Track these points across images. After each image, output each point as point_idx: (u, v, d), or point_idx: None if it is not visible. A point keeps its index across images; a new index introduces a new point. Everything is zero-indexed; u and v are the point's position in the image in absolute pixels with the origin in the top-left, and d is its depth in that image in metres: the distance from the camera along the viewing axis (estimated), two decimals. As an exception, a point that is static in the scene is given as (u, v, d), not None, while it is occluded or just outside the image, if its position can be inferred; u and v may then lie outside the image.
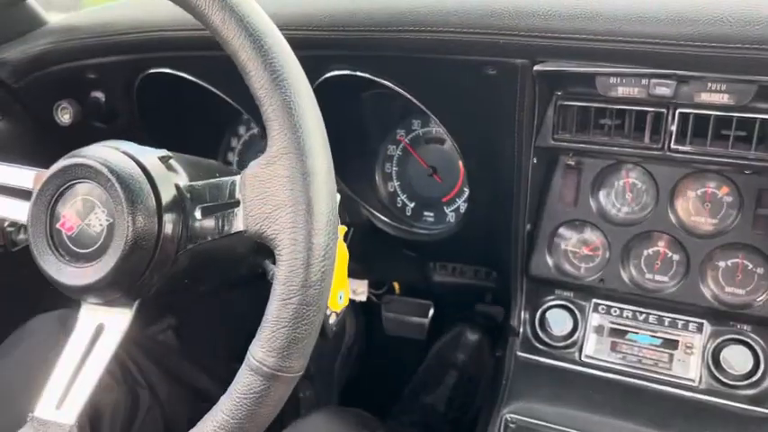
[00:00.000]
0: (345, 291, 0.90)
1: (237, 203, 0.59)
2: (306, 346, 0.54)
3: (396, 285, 1.35)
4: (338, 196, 0.85)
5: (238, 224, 0.58)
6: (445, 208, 1.13)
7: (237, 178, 0.59)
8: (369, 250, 1.16)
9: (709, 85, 0.70)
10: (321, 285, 0.54)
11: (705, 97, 0.71)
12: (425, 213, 1.15)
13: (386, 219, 1.12)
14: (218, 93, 1.00)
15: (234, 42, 0.56)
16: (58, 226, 0.62)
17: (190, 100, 1.07)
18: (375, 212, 1.12)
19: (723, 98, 0.70)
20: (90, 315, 0.64)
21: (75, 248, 0.62)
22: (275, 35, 0.58)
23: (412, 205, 1.15)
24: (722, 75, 0.68)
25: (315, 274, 0.53)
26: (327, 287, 0.55)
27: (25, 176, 0.67)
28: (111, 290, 0.62)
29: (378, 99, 1.04)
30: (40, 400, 0.62)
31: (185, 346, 1.34)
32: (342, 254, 0.90)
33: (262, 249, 0.62)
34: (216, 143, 1.21)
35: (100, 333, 0.64)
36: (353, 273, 1.26)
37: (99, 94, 1.04)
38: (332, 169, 0.57)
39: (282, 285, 0.53)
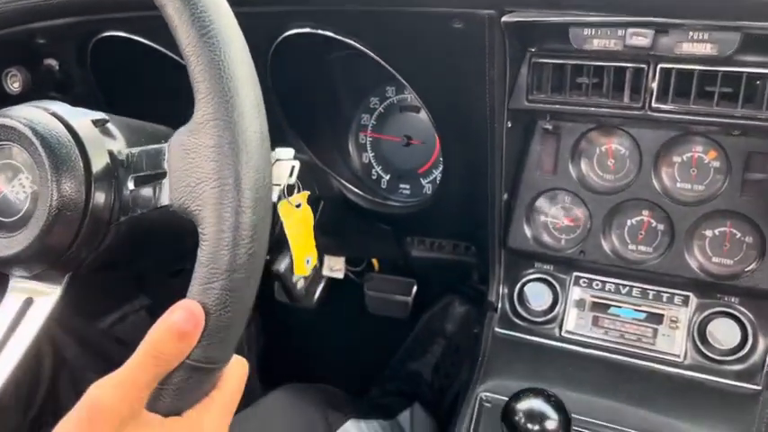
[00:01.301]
0: (313, 256, 0.86)
1: (165, 174, 0.53)
2: (230, 336, 0.48)
3: (374, 262, 1.31)
4: (294, 166, 0.80)
5: (164, 198, 0.53)
6: (422, 179, 1.09)
7: (166, 146, 0.53)
8: (342, 224, 1.12)
9: (690, 34, 0.64)
10: (248, 269, 0.48)
11: (687, 48, 0.65)
12: (401, 186, 1.11)
13: (359, 191, 1.08)
14: (177, 58, 0.95)
15: None
16: None
17: (149, 67, 1.02)
18: (348, 185, 1.08)
19: (706, 48, 0.64)
20: (17, 288, 0.60)
21: None
22: None
23: (387, 177, 1.11)
24: (703, 21, 0.62)
25: (241, 256, 0.47)
26: (257, 270, 0.49)
27: None
28: (36, 262, 0.58)
29: (348, 63, 0.99)
30: None
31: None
32: (307, 218, 0.85)
33: None
34: (180, 112, 1.15)
35: (27, 308, 0.59)
36: (328, 249, 1.22)
37: (52, 62, 0.99)
38: (266, 139, 0.50)
39: (204, 268, 0.47)
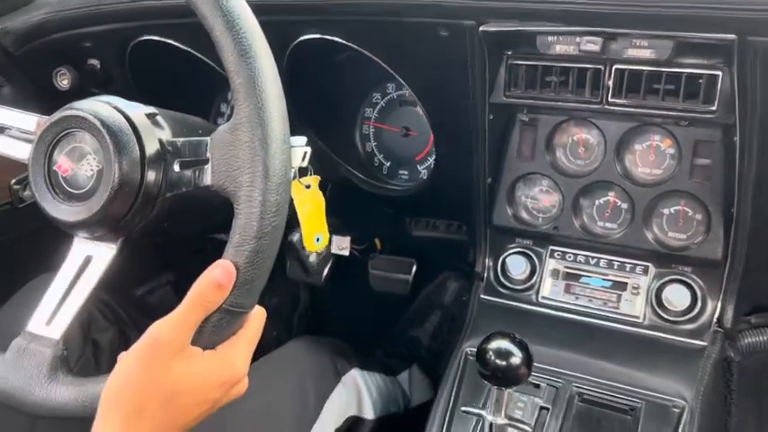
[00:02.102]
0: (324, 234, 0.99)
1: (207, 161, 0.66)
2: (255, 288, 0.62)
3: (377, 242, 1.44)
4: (306, 152, 0.94)
5: (207, 179, 0.66)
6: (418, 166, 1.22)
7: (209, 139, 0.67)
8: (348, 207, 1.24)
9: (634, 41, 0.78)
10: (271, 237, 0.62)
11: (632, 53, 0.79)
12: (401, 171, 1.23)
13: (363, 176, 1.21)
14: (205, 60, 1.08)
15: (209, 20, 0.64)
16: (54, 168, 0.71)
17: (180, 67, 1.16)
18: (353, 171, 1.21)
19: (647, 53, 0.78)
20: (80, 247, 0.73)
21: (68, 189, 0.71)
22: (246, 15, 0.64)
23: (388, 164, 1.24)
24: (643, 31, 0.76)
25: (266, 226, 0.61)
26: (277, 239, 0.63)
27: (29, 121, 0.76)
28: (98, 227, 0.71)
29: (352, 63, 1.12)
30: (32, 317, 0.72)
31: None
32: (318, 200, 0.99)
33: None
34: (206, 108, 1.29)
35: (87, 263, 0.73)
36: (336, 229, 1.36)
37: (95, 62, 1.13)
38: (287, 138, 0.64)
39: (238, 234, 0.62)
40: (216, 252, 0.64)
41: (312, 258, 0.96)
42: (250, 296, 0.62)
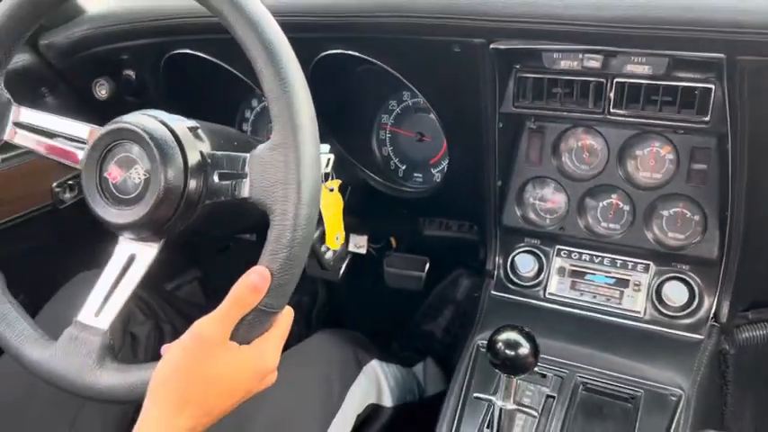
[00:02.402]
0: (341, 233, 1.07)
1: (246, 175, 0.73)
2: (287, 290, 0.70)
3: (393, 240, 1.51)
4: (330, 158, 1.00)
5: (245, 192, 0.73)
6: (432, 169, 1.29)
7: (248, 156, 0.73)
8: (366, 207, 1.31)
9: (632, 58, 0.84)
10: (302, 246, 0.69)
11: (631, 68, 0.86)
12: (415, 174, 1.30)
13: (380, 179, 1.27)
14: (232, 70, 1.16)
15: (253, 52, 0.70)
16: (105, 175, 0.78)
17: (208, 77, 1.23)
18: (371, 174, 1.27)
19: (644, 69, 0.84)
20: (125, 247, 0.81)
21: (117, 194, 0.78)
22: (285, 49, 0.71)
23: (403, 168, 1.31)
24: (640, 49, 0.83)
25: (298, 237, 0.68)
26: (307, 247, 0.70)
27: (82, 130, 0.82)
28: (143, 229, 0.78)
29: (371, 74, 1.19)
30: (82, 309, 0.79)
31: (209, 295, 1.53)
32: (337, 202, 1.06)
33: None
34: (232, 115, 1.37)
35: (132, 262, 0.80)
36: (354, 228, 1.43)
37: (130, 73, 1.20)
38: (318, 158, 0.71)
39: (273, 243, 0.69)
40: (238, 251, 0.71)
41: (329, 255, 1.03)
42: (282, 298, 0.70)
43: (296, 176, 0.69)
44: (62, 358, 0.77)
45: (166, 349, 0.69)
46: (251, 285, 0.67)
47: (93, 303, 0.79)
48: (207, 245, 1.52)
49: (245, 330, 0.69)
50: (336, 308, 1.72)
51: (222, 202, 0.76)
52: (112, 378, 0.75)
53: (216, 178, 0.76)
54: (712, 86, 0.88)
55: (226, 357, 0.66)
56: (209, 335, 0.66)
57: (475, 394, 0.93)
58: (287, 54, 0.71)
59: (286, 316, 0.72)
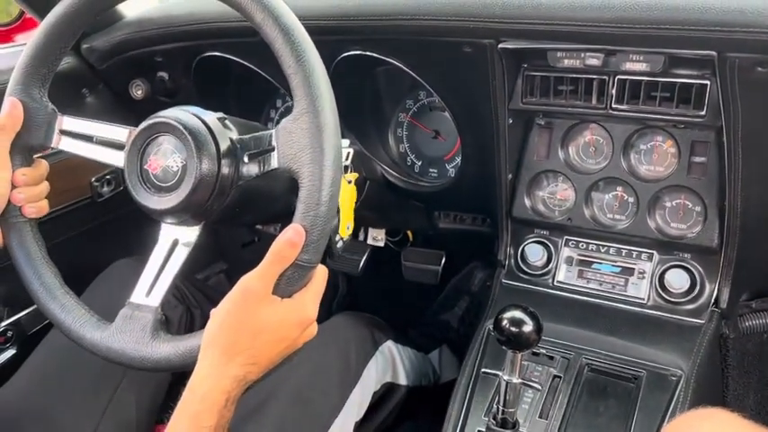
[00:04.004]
0: (351, 223, 1.14)
1: (273, 149, 0.80)
2: (320, 246, 0.76)
3: (409, 234, 1.57)
4: (349, 153, 1.07)
5: (274, 163, 0.80)
6: (447, 165, 1.35)
7: (273, 131, 0.81)
8: (383, 201, 1.37)
9: (631, 56, 0.91)
10: (330, 204, 0.76)
11: (630, 66, 0.92)
12: (431, 170, 1.37)
13: (397, 174, 1.34)
14: (259, 71, 1.24)
15: (270, 35, 0.78)
16: (145, 167, 0.85)
17: (236, 78, 1.31)
18: (388, 169, 1.34)
19: (642, 66, 0.91)
20: (168, 232, 0.88)
21: (158, 183, 0.84)
22: (300, 30, 0.78)
23: (419, 163, 1.37)
24: (638, 48, 0.89)
25: (325, 195, 0.75)
26: (334, 206, 0.77)
27: (120, 132, 0.89)
28: (183, 213, 0.84)
29: (388, 74, 1.27)
30: (134, 290, 0.86)
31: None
32: (351, 194, 1.13)
33: (293, 191, 0.81)
34: (258, 114, 1.45)
35: (175, 245, 0.87)
36: (372, 222, 1.49)
37: (164, 74, 1.28)
38: (338, 124, 0.78)
39: (303, 203, 0.75)
40: (262, 246, 0.76)
41: (339, 245, 1.10)
42: (316, 253, 0.76)
43: (320, 141, 0.75)
44: (120, 336, 0.83)
45: (214, 313, 0.75)
46: (288, 241, 0.73)
47: (143, 285, 0.86)
48: (233, 240, 1.60)
49: (286, 284, 0.75)
50: (355, 299, 1.78)
51: (254, 184, 0.83)
52: (167, 348, 0.81)
53: (246, 159, 0.83)
54: (707, 82, 0.93)
55: (270, 309, 0.73)
56: (253, 289, 0.72)
57: (483, 369, 0.99)
58: (302, 35, 0.78)
59: (321, 272, 0.78)
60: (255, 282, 0.73)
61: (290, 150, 0.78)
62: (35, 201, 0.91)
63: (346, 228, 1.08)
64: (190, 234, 0.87)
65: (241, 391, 0.73)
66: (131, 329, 0.83)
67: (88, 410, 0.99)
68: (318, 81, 0.77)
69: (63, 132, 0.92)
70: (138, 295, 0.86)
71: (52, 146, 0.92)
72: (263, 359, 0.73)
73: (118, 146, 0.89)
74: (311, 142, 0.76)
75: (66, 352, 0.94)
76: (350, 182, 1.14)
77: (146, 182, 0.85)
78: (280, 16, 0.78)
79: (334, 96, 0.79)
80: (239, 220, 1.01)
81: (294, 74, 0.77)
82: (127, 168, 0.86)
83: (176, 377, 1.03)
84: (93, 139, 0.91)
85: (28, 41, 0.92)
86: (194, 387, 0.71)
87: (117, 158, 0.89)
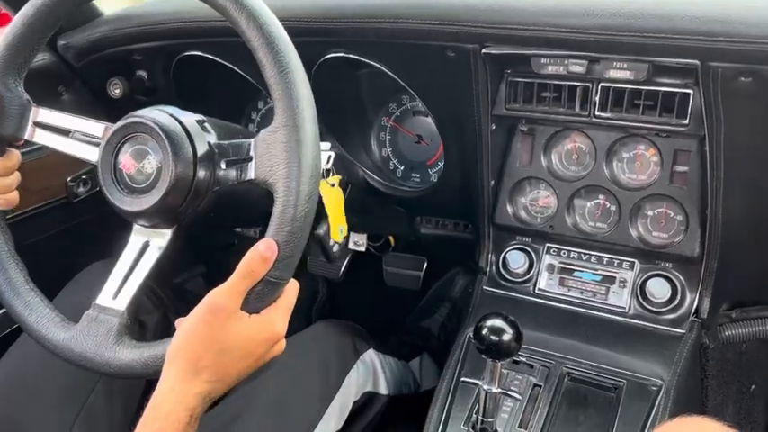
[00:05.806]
0: (344, 226, 1.12)
1: (251, 159, 0.78)
2: (292, 262, 0.75)
3: (391, 239, 1.56)
4: (330, 156, 1.06)
5: (251, 174, 0.78)
6: (429, 170, 1.34)
7: (252, 141, 0.79)
8: (365, 206, 1.36)
9: (615, 63, 0.90)
10: (304, 220, 0.74)
11: (613, 74, 0.92)
12: (413, 174, 1.36)
13: (379, 178, 1.33)
14: (240, 72, 1.22)
15: (254, 42, 0.76)
16: (119, 167, 0.83)
17: (216, 79, 1.29)
18: (370, 173, 1.32)
19: (626, 74, 0.90)
20: (139, 234, 0.86)
21: (131, 184, 0.83)
22: (284, 39, 0.77)
23: (402, 168, 1.36)
24: (621, 56, 0.88)
25: (300, 212, 0.73)
26: (309, 222, 0.75)
27: (96, 128, 0.87)
28: (155, 216, 0.83)
29: (372, 78, 1.25)
30: (100, 292, 0.84)
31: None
32: (339, 197, 1.12)
33: (271, 197, 0.79)
34: (238, 115, 1.43)
35: (146, 248, 0.85)
36: (353, 226, 1.48)
37: (142, 73, 1.26)
38: (317, 138, 0.76)
39: (277, 218, 0.74)
40: (241, 249, 0.75)
41: (335, 248, 1.09)
42: (288, 269, 0.75)
43: (297, 155, 0.74)
44: (82, 338, 0.82)
45: (180, 322, 0.74)
46: (259, 256, 0.71)
47: (110, 287, 0.84)
48: (211, 242, 1.58)
49: (255, 300, 0.73)
50: (335, 305, 1.77)
51: (229, 189, 0.81)
52: (130, 354, 0.79)
53: (223, 165, 0.81)
54: (691, 92, 0.93)
55: (237, 325, 0.71)
56: (221, 304, 0.71)
57: (463, 378, 0.98)
58: (286, 43, 0.76)
59: (292, 287, 0.77)
60: (224, 297, 0.71)
61: (268, 163, 0.76)
62: (5, 192, 0.88)
63: (339, 231, 1.07)
64: (161, 238, 0.85)
65: (205, 408, 0.71)
66: (95, 332, 0.81)
67: (58, 419, 0.97)
68: (300, 95, 0.75)
69: (37, 125, 0.90)
70: (105, 298, 0.84)
71: (26, 138, 0.90)
72: (228, 376, 0.72)
73: (93, 142, 0.87)
74: (288, 157, 0.74)
75: (38, 357, 0.92)
76: (333, 185, 1.13)
77: (119, 182, 0.84)
78: (264, 24, 0.76)
79: (315, 110, 0.77)
80: (213, 226, 0.99)
81: (276, 85, 0.75)
82: (101, 167, 0.85)
83: (149, 386, 1.01)
84: (69, 134, 0.89)
85: (4, 30, 0.90)
86: (157, 404, 0.69)
87: (92, 154, 0.87)
